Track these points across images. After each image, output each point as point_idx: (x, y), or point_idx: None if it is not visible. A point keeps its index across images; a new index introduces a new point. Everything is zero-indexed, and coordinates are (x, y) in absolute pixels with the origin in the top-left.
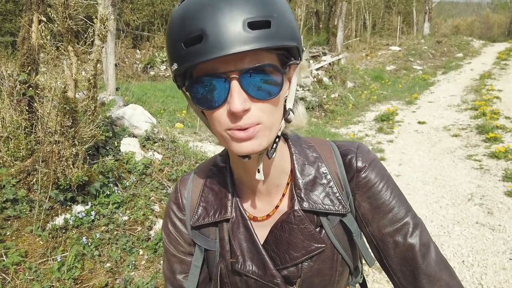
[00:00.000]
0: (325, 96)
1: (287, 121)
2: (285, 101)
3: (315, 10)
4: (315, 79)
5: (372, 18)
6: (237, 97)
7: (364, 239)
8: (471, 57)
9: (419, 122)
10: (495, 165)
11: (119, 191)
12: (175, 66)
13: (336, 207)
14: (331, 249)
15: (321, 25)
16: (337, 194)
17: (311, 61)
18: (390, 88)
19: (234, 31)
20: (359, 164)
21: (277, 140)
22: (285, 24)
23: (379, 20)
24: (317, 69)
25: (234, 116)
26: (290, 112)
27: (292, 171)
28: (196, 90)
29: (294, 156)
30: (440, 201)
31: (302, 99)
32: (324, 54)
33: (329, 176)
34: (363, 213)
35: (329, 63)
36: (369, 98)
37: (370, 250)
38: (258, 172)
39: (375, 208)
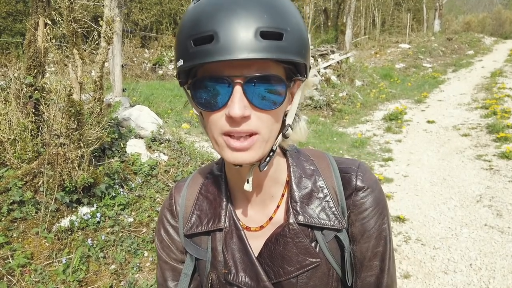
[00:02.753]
0: (333, 95)
1: (285, 136)
2: (285, 116)
3: (323, 8)
4: (323, 78)
5: (382, 15)
6: (238, 103)
7: None
8: (482, 55)
9: (428, 121)
10: (505, 166)
11: (124, 193)
12: (181, 62)
13: (332, 222)
14: (326, 265)
15: (329, 23)
16: (333, 209)
17: (319, 60)
18: (399, 86)
19: (245, 37)
20: (359, 183)
21: (271, 154)
22: (296, 39)
23: (388, 18)
24: (325, 68)
25: (232, 121)
26: (289, 128)
27: (288, 183)
28: (198, 91)
29: (291, 168)
30: (448, 202)
31: (309, 98)
32: (333, 52)
33: (326, 190)
34: (353, 231)
35: (338, 62)
36: (377, 96)
37: None
38: (247, 182)
39: (365, 231)
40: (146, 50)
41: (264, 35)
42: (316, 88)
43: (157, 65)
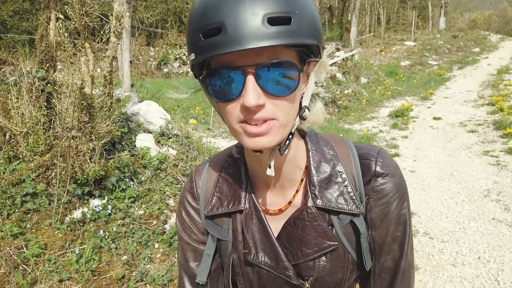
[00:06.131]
0: (338, 92)
1: (302, 118)
2: (301, 98)
3: (328, 5)
4: (329, 75)
5: (387, 13)
6: (252, 92)
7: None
8: (488, 52)
9: (435, 118)
10: None
11: (134, 186)
12: (192, 56)
13: (350, 207)
14: (342, 248)
15: (334, 21)
16: (351, 194)
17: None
18: (404, 83)
19: (253, 25)
20: (378, 169)
21: (290, 137)
22: (306, 21)
23: (393, 15)
24: (330, 65)
25: (248, 110)
26: (306, 109)
27: (307, 168)
28: (212, 82)
29: (310, 153)
30: (456, 197)
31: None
32: (338, 49)
33: (344, 175)
34: (372, 217)
35: (343, 59)
36: (383, 94)
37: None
38: (269, 167)
39: (384, 216)
40: (151, 48)
41: (272, 21)
42: (321, 85)
43: (162, 63)
